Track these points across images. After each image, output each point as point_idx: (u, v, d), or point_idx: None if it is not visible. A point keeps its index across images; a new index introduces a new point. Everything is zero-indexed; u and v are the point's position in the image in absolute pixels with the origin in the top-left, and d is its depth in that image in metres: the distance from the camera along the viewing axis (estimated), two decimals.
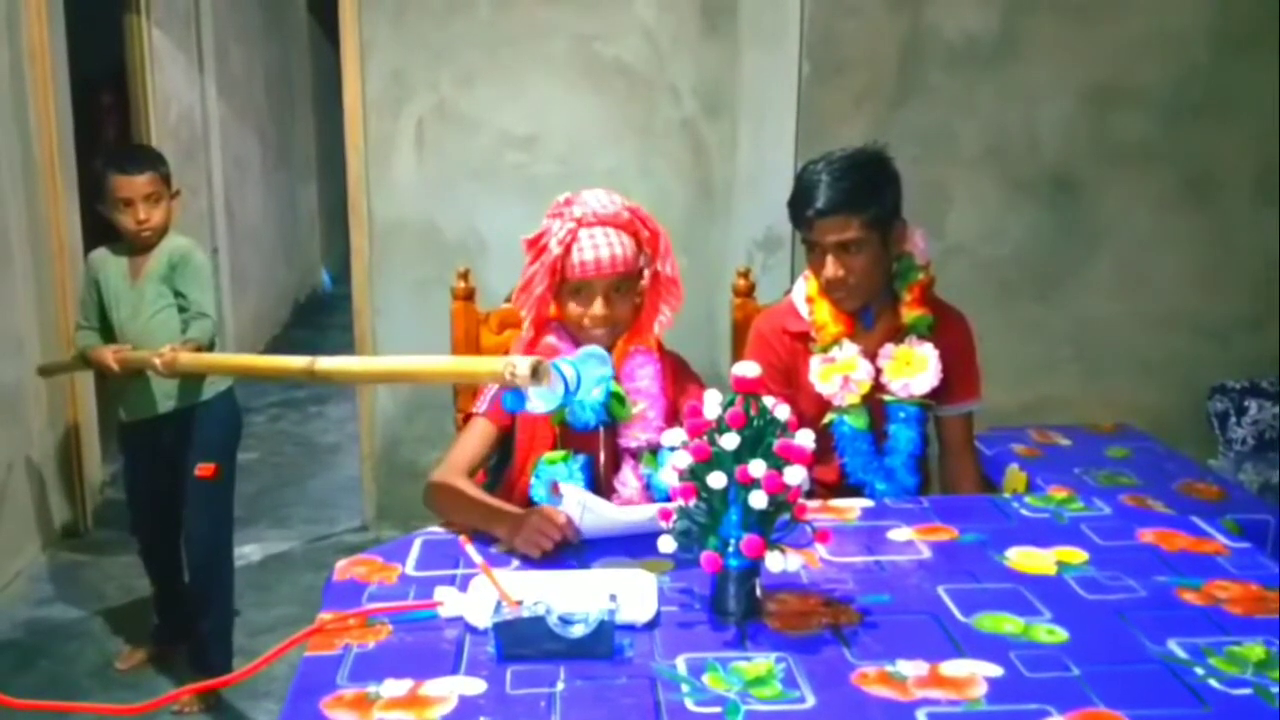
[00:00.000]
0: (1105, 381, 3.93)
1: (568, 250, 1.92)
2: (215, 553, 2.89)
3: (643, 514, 1.74)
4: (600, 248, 1.92)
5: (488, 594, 1.50)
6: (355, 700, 1.33)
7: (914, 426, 2.16)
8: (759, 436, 1.49)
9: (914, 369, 2.14)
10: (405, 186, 3.77)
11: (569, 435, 1.95)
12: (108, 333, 2.87)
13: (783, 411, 1.50)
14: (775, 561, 1.46)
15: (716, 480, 1.46)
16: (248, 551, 3.77)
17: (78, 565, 3.70)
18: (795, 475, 1.46)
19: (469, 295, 2.32)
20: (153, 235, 2.80)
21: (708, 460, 1.47)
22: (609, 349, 1.96)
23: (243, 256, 6.26)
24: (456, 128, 3.75)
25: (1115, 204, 3.83)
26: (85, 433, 3.97)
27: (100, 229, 3.03)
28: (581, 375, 1.67)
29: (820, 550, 1.75)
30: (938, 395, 2.19)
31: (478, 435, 1.98)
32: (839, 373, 2.13)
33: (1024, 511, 1.94)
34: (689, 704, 1.32)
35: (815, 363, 2.16)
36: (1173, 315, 3.87)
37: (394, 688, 1.36)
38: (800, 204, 2.11)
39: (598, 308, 1.94)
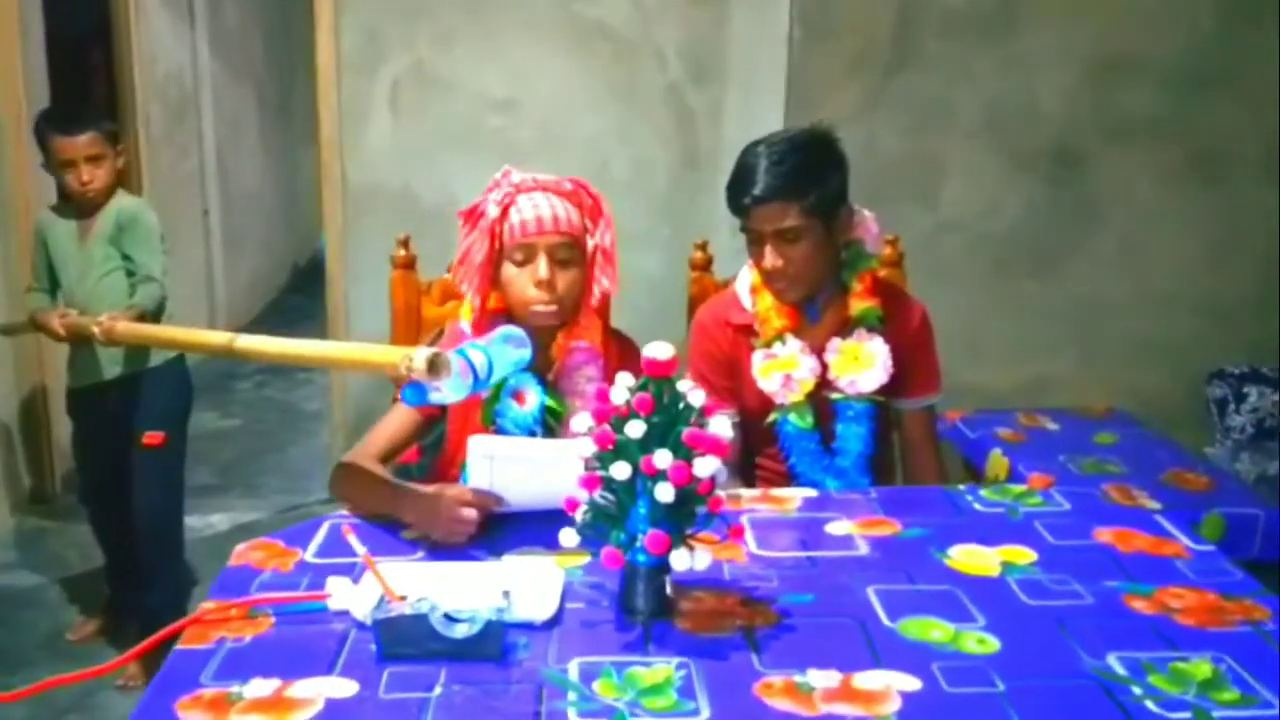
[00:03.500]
0: (1102, 363, 3.79)
1: (505, 213, 1.81)
2: (164, 524, 2.82)
3: (561, 448, 1.58)
4: (540, 207, 1.81)
5: (375, 587, 1.40)
6: (214, 701, 1.24)
7: (864, 424, 2.03)
8: (669, 424, 1.37)
9: (862, 364, 2.01)
10: (380, 150, 3.65)
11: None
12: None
13: (696, 397, 1.39)
14: (680, 559, 1.35)
15: (620, 471, 1.35)
16: (215, 521, 3.70)
17: (43, 531, 3.64)
18: (706, 466, 1.35)
19: (409, 264, 2.21)
20: (98, 196, 2.70)
21: (611, 449, 1.37)
22: (550, 339, 1.86)
23: (237, 219, 6.17)
24: (433, 90, 3.62)
25: (1117, 179, 3.68)
26: (54, 395, 3.88)
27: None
28: (494, 361, 1.56)
29: (750, 544, 1.65)
30: (896, 389, 2.07)
31: (398, 420, 1.87)
32: (780, 370, 2.01)
33: (976, 505, 1.82)
34: (572, 714, 1.22)
35: (757, 358, 2.03)
36: (1174, 295, 3.73)
37: (259, 687, 1.26)
38: (737, 189, 1.97)
39: (542, 268, 1.81)
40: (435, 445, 1.99)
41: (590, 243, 1.87)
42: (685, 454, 1.34)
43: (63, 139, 2.63)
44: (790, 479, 2.08)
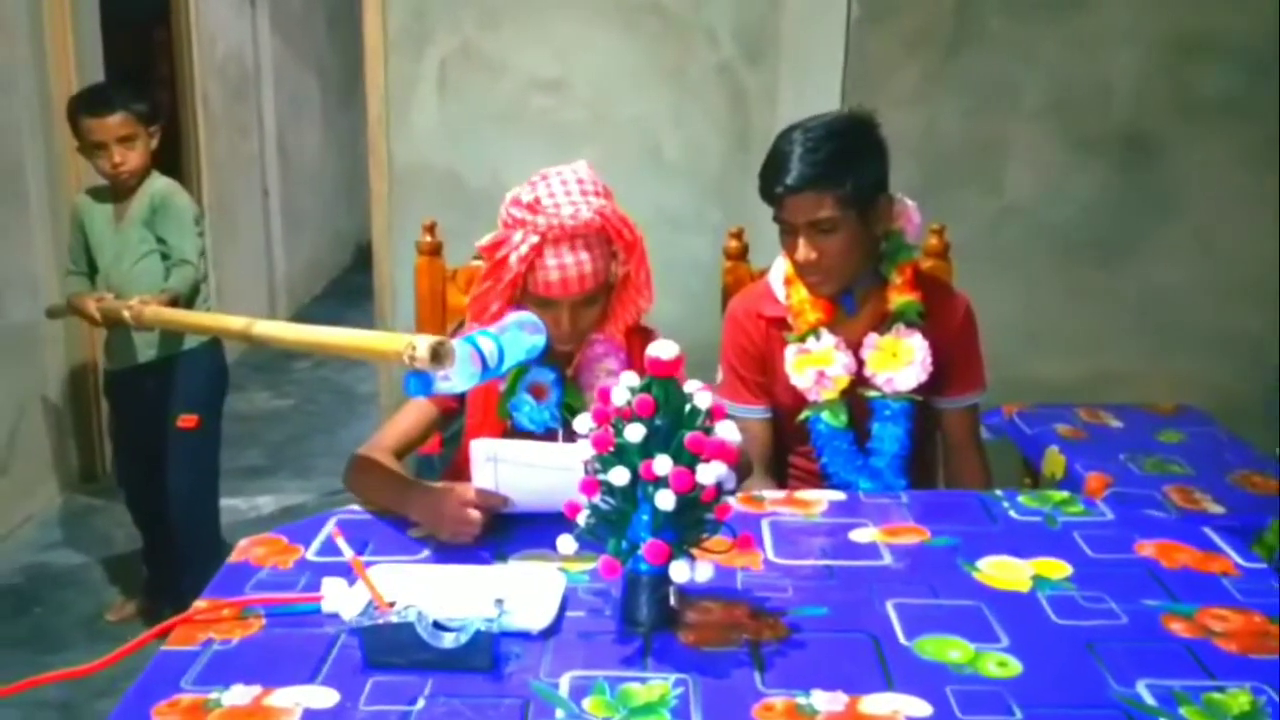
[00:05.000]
0: (1171, 357, 3.63)
1: (530, 267, 1.72)
2: (196, 507, 2.81)
3: (565, 453, 1.51)
4: (568, 268, 1.70)
5: (366, 591, 1.34)
6: (190, 708, 1.20)
7: (901, 424, 1.94)
8: (673, 428, 1.30)
9: (899, 361, 1.91)
10: (426, 131, 3.60)
11: (518, 438, 1.78)
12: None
13: (703, 399, 1.32)
14: (680, 571, 1.28)
15: (619, 476, 1.28)
16: (261, 503, 3.71)
17: (90, 510, 3.67)
18: (710, 473, 1.27)
19: (435, 250, 2.16)
20: (131, 178, 2.69)
21: (610, 453, 1.30)
22: (574, 350, 1.80)
23: (298, 199, 6.19)
24: (480, 70, 3.56)
25: (1190, 164, 3.50)
26: (103, 376, 3.93)
27: None
28: (505, 349, 1.49)
29: (768, 550, 1.57)
30: (937, 386, 1.98)
31: (414, 413, 1.82)
32: (813, 365, 1.92)
33: (1012, 513, 1.72)
34: None
35: (790, 353, 1.95)
36: (1249, 287, 3.54)
37: (239, 695, 1.22)
38: (769, 178, 1.86)
39: (564, 326, 1.74)
40: (457, 437, 1.94)
41: (617, 272, 1.79)
42: (688, 459, 1.27)
43: (93, 120, 2.61)
44: (823, 479, 2.00)
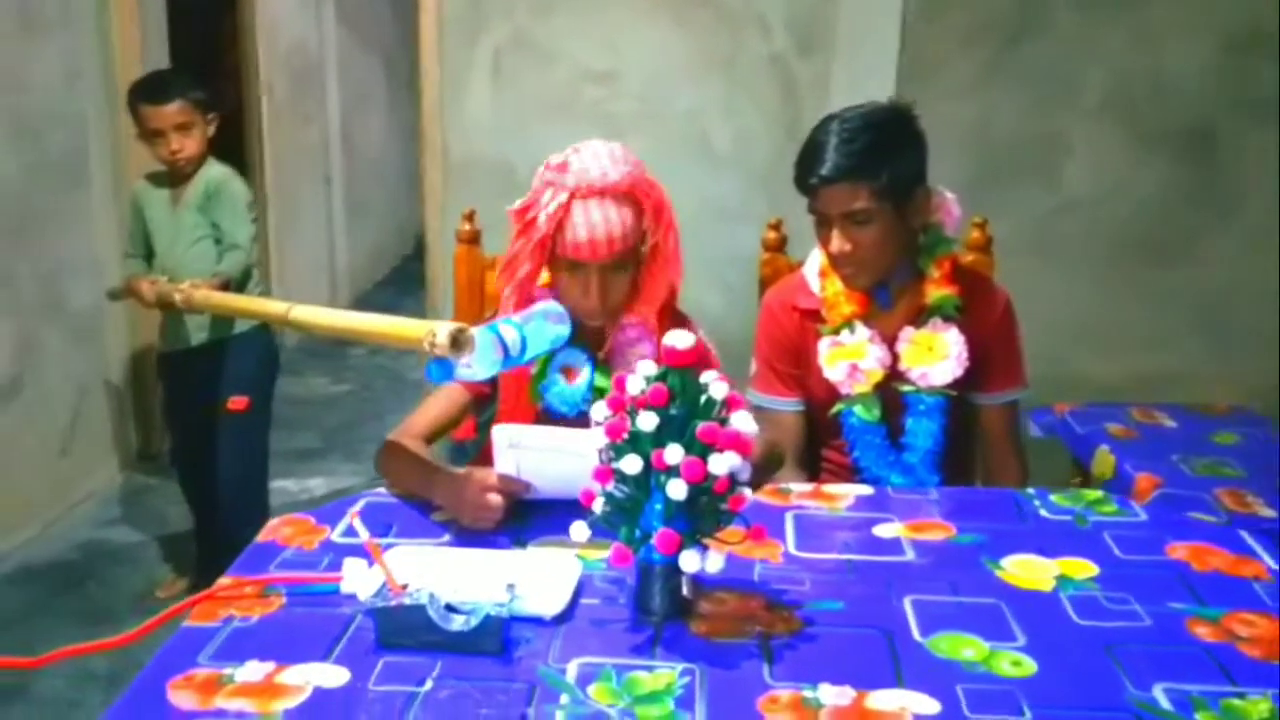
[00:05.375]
0: (1231, 358, 3.55)
1: (559, 226, 1.72)
2: (246, 487, 2.86)
3: (587, 439, 1.46)
4: (596, 226, 1.69)
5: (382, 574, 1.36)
6: (205, 682, 1.22)
7: (935, 419, 1.91)
8: (688, 418, 1.30)
9: (935, 356, 1.89)
10: (479, 120, 3.64)
11: (550, 420, 1.79)
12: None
13: (719, 390, 1.31)
14: (690, 561, 1.28)
15: (631, 464, 1.29)
16: (313, 485, 3.77)
17: (148, 489, 3.76)
18: (723, 463, 1.27)
19: (473, 239, 2.18)
20: (188, 164, 2.75)
21: (623, 441, 1.30)
22: (602, 328, 1.80)
23: (361, 188, 6.27)
24: (533, 60, 3.58)
25: (1255, 162, 3.42)
26: (157, 357, 4.01)
27: None
28: (527, 338, 1.51)
29: (789, 543, 1.57)
30: (975, 382, 1.95)
31: (445, 399, 1.84)
32: (846, 358, 1.90)
33: (1043, 511, 1.70)
34: (559, 718, 1.16)
35: (823, 345, 1.93)
36: None
37: (252, 671, 1.24)
38: (803, 168, 1.85)
39: (593, 293, 1.74)
40: (490, 423, 1.95)
41: (648, 240, 1.78)
42: (700, 449, 1.27)
43: (151, 108, 2.67)
44: (855, 473, 1.98)
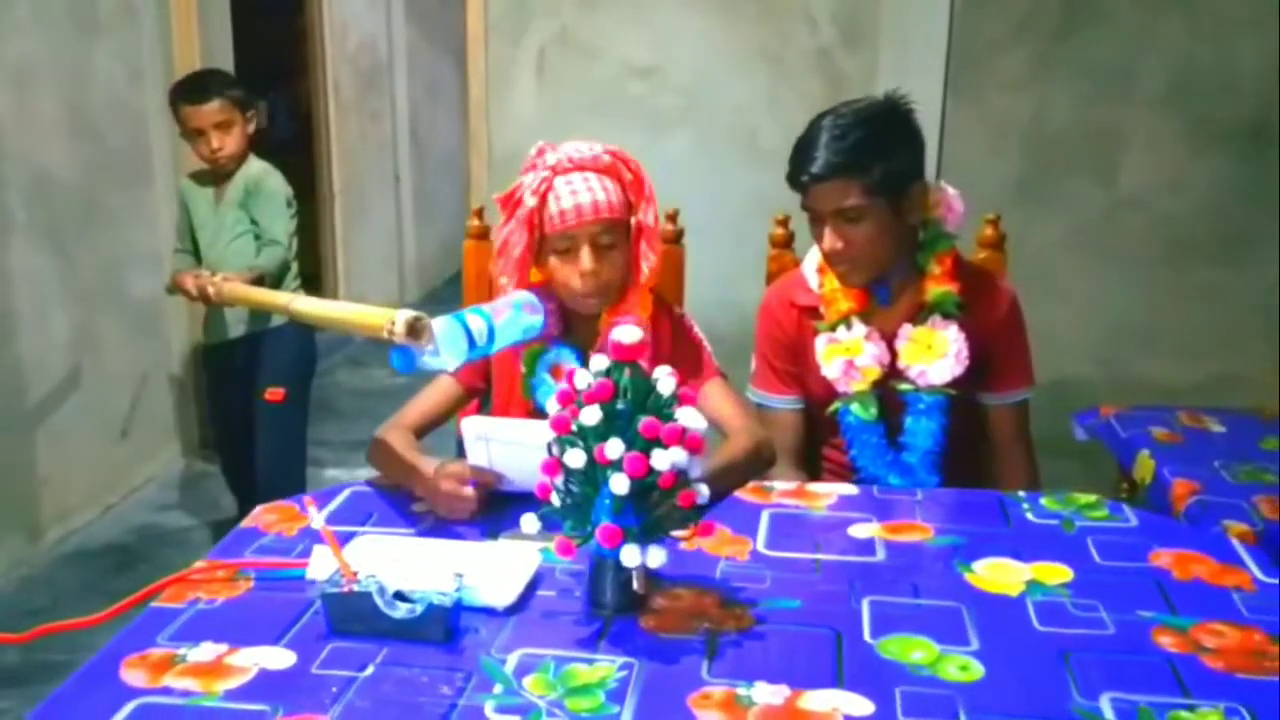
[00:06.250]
0: None
1: (544, 201, 1.75)
2: (283, 475, 2.93)
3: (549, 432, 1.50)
4: (580, 193, 1.73)
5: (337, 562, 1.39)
6: (158, 662, 1.26)
7: (935, 418, 1.88)
8: (635, 413, 1.30)
9: (933, 354, 1.86)
10: (524, 117, 3.66)
11: (541, 418, 1.80)
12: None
13: (667, 385, 1.31)
14: (630, 556, 1.28)
15: (574, 459, 1.29)
16: (362, 474, 3.82)
17: (207, 475, 3.86)
18: (665, 459, 1.27)
19: (483, 234, 2.20)
20: (228, 161, 2.82)
21: (567, 434, 1.31)
22: (596, 317, 1.81)
23: (430, 184, 6.36)
24: (577, 56, 3.60)
25: None
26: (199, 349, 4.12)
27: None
28: (495, 328, 1.52)
29: (759, 542, 1.56)
30: (981, 381, 1.92)
31: (437, 392, 1.87)
32: (843, 355, 1.88)
33: (1030, 515, 1.66)
34: (489, 707, 1.17)
35: (819, 342, 1.91)
36: None
37: (204, 652, 1.28)
38: (796, 166, 1.83)
39: (585, 260, 1.75)
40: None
41: (633, 219, 1.80)
42: (643, 445, 1.27)
43: (191, 108, 2.75)
44: (855, 473, 1.96)
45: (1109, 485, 2.91)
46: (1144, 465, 2.86)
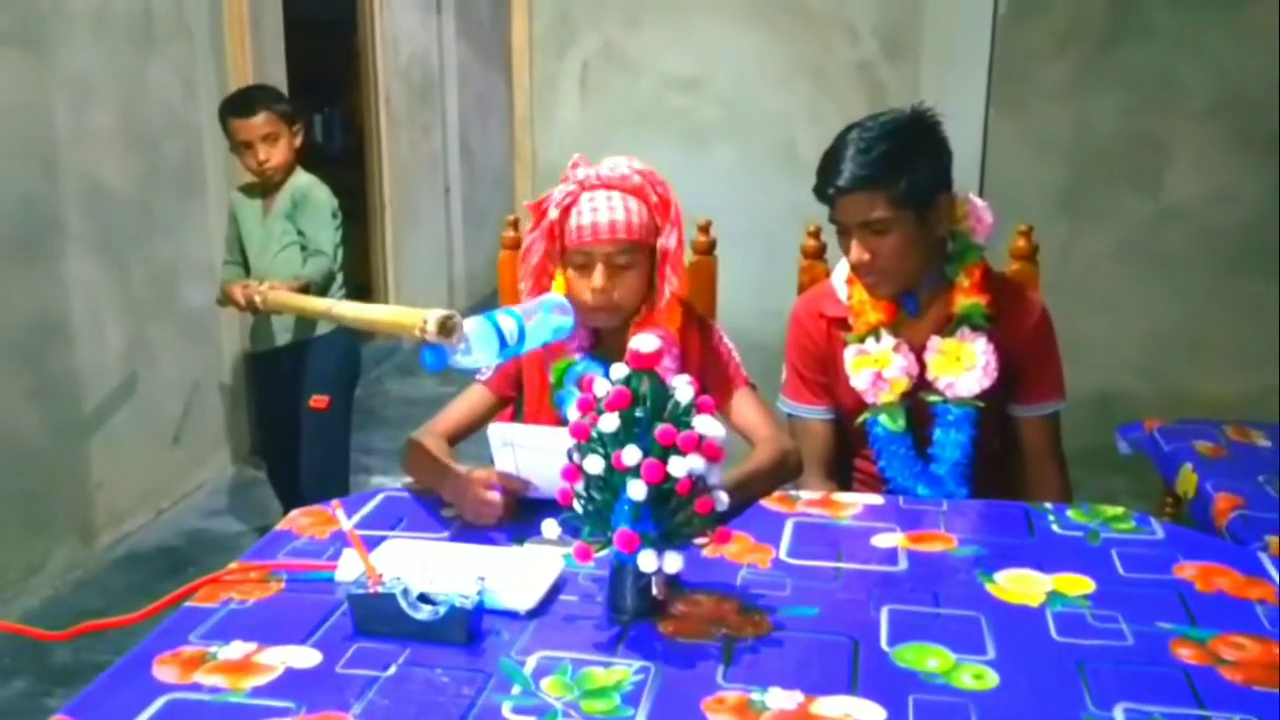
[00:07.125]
0: None
1: (566, 214, 1.78)
2: (327, 482, 2.98)
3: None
4: (600, 211, 1.76)
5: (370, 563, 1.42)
6: (189, 660, 1.30)
7: (963, 430, 1.88)
8: (653, 420, 1.32)
9: (961, 366, 1.86)
10: (568, 130, 3.71)
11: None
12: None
13: (684, 393, 1.33)
14: (648, 561, 1.30)
15: (593, 465, 1.32)
16: (409, 481, 3.89)
17: (256, 482, 3.93)
18: (682, 466, 1.29)
19: (516, 245, 2.23)
20: (275, 173, 2.89)
21: (586, 441, 1.33)
22: (624, 331, 1.83)
23: (481, 196, 6.43)
24: (620, 70, 3.65)
25: None
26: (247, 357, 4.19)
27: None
28: (526, 328, 1.55)
29: (782, 550, 1.57)
30: (1012, 394, 1.92)
31: (469, 400, 1.92)
32: (871, 366, 1.89)
33: (1055, 526, 1.66)
34: (506, 708, 1.20)
35: (848, 353, 1.92)
36: None
37: (234, 650, 1.32)
38: (822, 179, 1.84)
39: (597, 278, 1.77)
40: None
41: (658, 244, 1.82)
42: (660, 452, 1.29)
43: (238, 121, 2.82)
44: (885, 483, 1.97)
45: (1155, 500, 2.89)
46: (1187, 479, 2.83)
